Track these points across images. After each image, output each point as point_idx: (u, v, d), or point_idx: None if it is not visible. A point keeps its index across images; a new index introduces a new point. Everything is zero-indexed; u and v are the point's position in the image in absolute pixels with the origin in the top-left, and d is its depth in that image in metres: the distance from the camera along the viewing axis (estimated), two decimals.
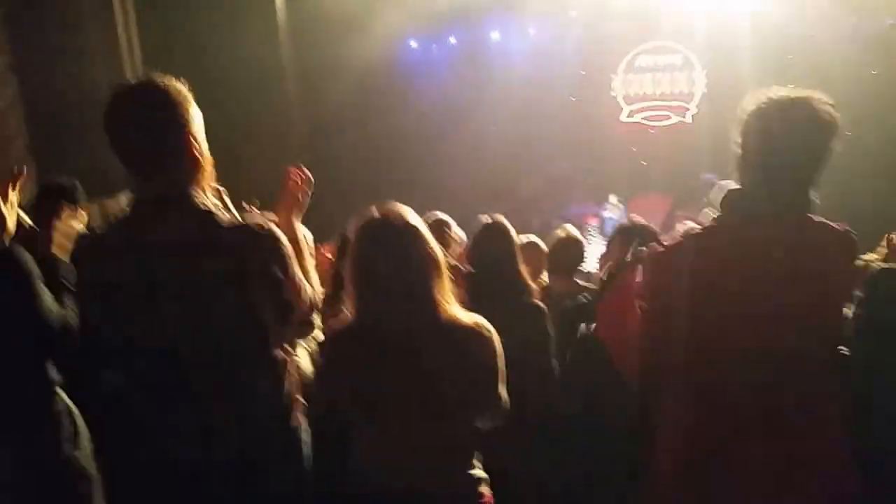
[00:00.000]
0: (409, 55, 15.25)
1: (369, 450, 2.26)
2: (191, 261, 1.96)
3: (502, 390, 2.27)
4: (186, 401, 2.10)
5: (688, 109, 15.95)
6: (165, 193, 2.02)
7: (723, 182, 14.51)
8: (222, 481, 2.13)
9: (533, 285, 3.55)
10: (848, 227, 2.25)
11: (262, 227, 2.06)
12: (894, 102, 12.03)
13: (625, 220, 13.06)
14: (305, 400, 2.37)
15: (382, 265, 2.11)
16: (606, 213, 13.36)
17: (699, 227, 2.30)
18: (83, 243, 2.28)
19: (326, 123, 13.25)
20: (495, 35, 15.54)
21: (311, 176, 2.61)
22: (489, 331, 2.20)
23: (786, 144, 2.08)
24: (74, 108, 12.03)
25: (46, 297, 2.33)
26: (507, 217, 12.20)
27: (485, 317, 2.24)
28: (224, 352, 2.04)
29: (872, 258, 4.06)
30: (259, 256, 2.02)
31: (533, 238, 4.80)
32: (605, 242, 13.16)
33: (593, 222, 14.13)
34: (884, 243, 4.01)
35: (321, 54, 13.02)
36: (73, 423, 2.55)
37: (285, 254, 2.09)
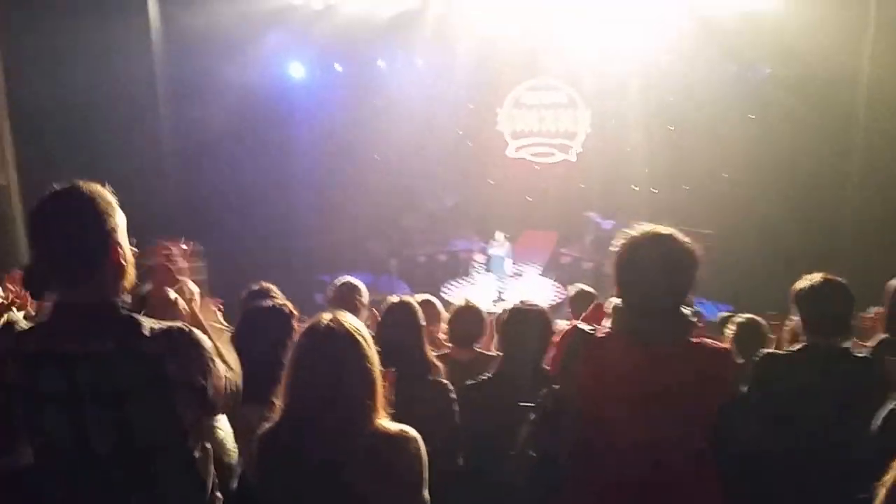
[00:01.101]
0: (292, 80, 14.76)
1: None
2: (111, 370, 2.01)
3: (425, 494, 2.27)
4: (106, 497, 2.12)
5: (571, 147, 16.15)
6: (88, 302, 2.06)
7: (605, 222, 14.77)
8: None
9: (437, 363, 3.61)
10: (727, 347, 2.74)
11: (182, 331, 2.08)
12: (768, 144, 12.46)
13: (510, 258, 13.32)
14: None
15: (322, 375, 2.16)
16: (493, 250, 13.16)
17: (599, 330, 2.58)
18: (5, 345, 2.17)
19: (201, 150, 12.51)
20: (381, 63, 15.23)
21: (191, 246, 2.54)
22: (415, 439, 2.23)
23: (651, 276, 2.39)
24: None
25: None
26: (388, 253, 11.84)
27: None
28: (144, 450, 2.08)
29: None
30: (179, 364, 2.04)
31: (427, 297, 4.98)
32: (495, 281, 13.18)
33: (479, 258, 14.02)
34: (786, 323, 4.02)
35: (197, 76, 12.32)
36: None
37: (206, 357, 2.10)
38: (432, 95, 15.08)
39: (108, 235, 2.06)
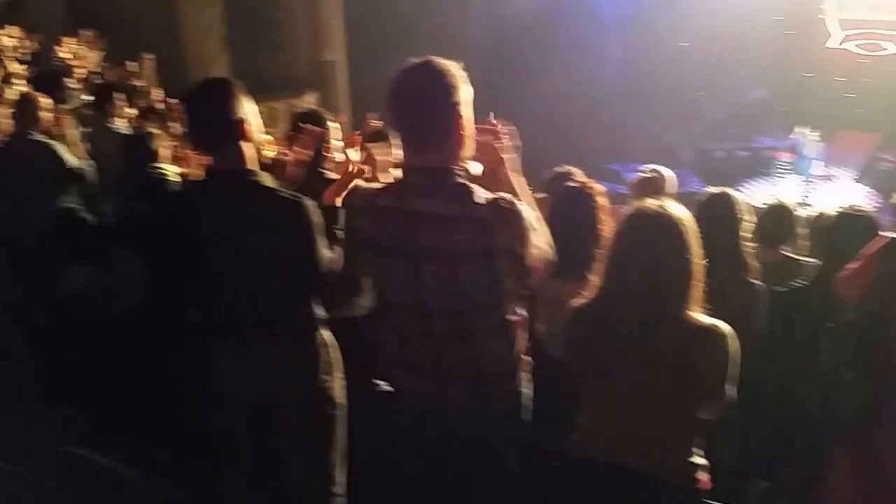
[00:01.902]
0: None
1: (594, 418, 2.38)
2: (447, 231, 2.19)
3: (730, 390, 2.29)
4: (428, 343, 2.35)
5: None
6: (432, 167, 2.22)
7: None
8: (452, 419, 2.40)
9: (754, 262, 3.46)
10: None
11: (507, 201, 2.20)
12: None
13: (820, 159, 12.30)
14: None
15: (642, 260, 2.21)
16: (803, 150, 12.21)
17: None
18: (357, 202, 2.45)
19: (508, 34, 12.87)
20: None
21: (509, 127, 2.57)
22: (724, 335, 2.24)
23: None
24: (269, 1, 12.47)
25: (323, 245, 2.62)
26: (685, 144, 11.41)
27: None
28: (465, 308, 2.27)
29: None
30: (504, 232, 2.18)
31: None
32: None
33: (785, 157, 13.10)
34: None
35: None
36: (330, 355, 2.84)
37: (526, 229, 2.21)
38: None
39: (454, 107, 2.19)
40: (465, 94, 2.22)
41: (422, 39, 11.52)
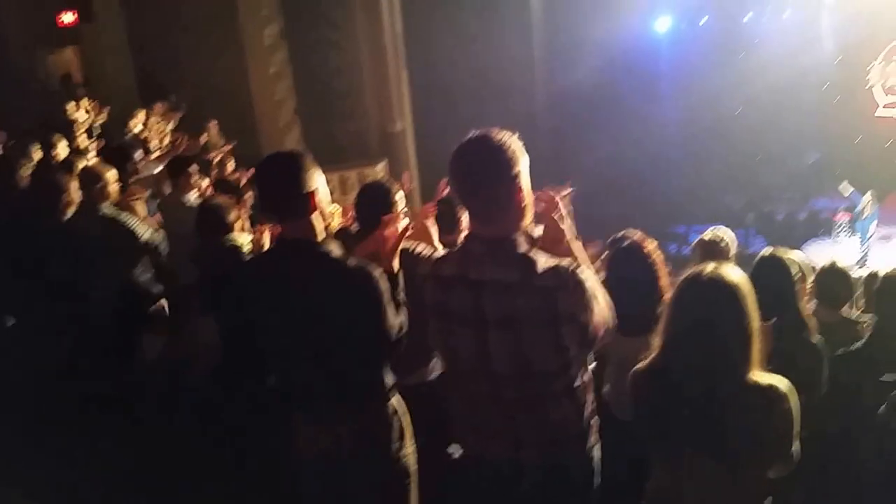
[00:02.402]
0: (658, 34, 15.06)
1: (663, 482, 2.41)
2: (511, 298, 2.21)
3: (795, 447, 2.29)
4: (498, 409, 2.37)
5: None
6: (495, 237, 2.25)
7: None
8: (525, 483, 2.40)
9: (813, 322, 3.42)
10: None
11: (569, 269, 2.21)
12: None
13: (876, 220, 12.47)
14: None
15: (700, 325, 2.22)
16: (859, 211, 12.46)
17: None
18: (425, 270, 2.49)
19: (571, 101, 13.30)
20: (748, 17, 14.91)
21: (567, 191, 2.72)
22: (785, 394, 2.23)
23: None
24: (339, 74, 12.97)
25: (391, 310, 2.61)
26: (746, 206, 11.52)
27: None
28: (534, 374, 2.28)
29: None
30: (567, 299, 2.18)
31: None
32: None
33: (843, 219, 13.37)
34: None
35: (569, 33, 13.07)
36: (401, 422, 2.79)
37: (589, 295, 2.21)
38: (798, 49, 14.52)
39: (513, 180, 2.19)
40: (524, 165, 2.23)
41: (487, 107, 11.93)
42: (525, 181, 2.24)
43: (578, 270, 2.21)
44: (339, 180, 11.55)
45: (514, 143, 2.20)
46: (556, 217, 2.48)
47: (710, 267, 2.27)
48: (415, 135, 13.46)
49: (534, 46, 13.45)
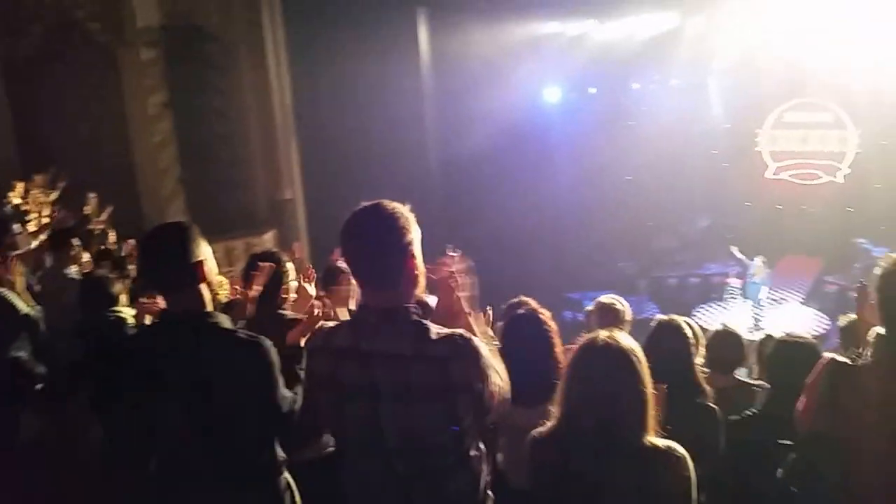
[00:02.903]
0: (548, 104, 15.25)
1: None
2: (403, 370, 2.19)
3: None
4: (392, 484, 2.31)
5: (839, 169, 15.15)
6: (387, 307, 2.23)
7: (876, 249, 13.58)
8: None
9: (707, 387, 3.46)
10: None
11: (464, 338, 2.21)
12: None
13: (768, 284, 12.66)
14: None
15: (596, 391, 2.27)
16: (751, 275, 12.62)
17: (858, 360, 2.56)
18: (315, 342, 2.46)
19: (462, 170, 13.29)
20: (636, 85, 15.28)
21: (458, 266, 2.60)
22: (682, 457, 2.28)
23: None
24: (226, 142, 12.73)
25: (282, 383, 2.58)
26: (639, 272, 11.66)
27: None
28: (428, 447, 2.25)
29: None
30: (461, 370, 2.17)
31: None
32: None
33: (734, 283, 13.53)
34: None
35: (460, 102, 13.13)
36: (292, 497, 2.76)
37: (484, 364, 2.21)
38: (687, 116, 14.88)
39: (406, 249, 2.20)
40: (416, 234, 2.24)
41: (379, 175, 11.83)
42: (417, 250, 2.25)
43: (473, 339, 2.21)
44: (224, 251, 11.16)
45: (405, 213, 2.22)
46: (452, 287, 2.49)
47: (604, 334, 2.34)
48: (305, 203, 13.26)
49: (426, 114, 13.42)
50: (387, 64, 12.13)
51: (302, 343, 2.81)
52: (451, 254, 2.57)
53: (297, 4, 11.71)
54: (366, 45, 11.59)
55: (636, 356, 2.30)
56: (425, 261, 2.31)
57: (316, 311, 3.01)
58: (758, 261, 12.71)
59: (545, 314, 3.34)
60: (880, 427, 2.40)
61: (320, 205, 12.40)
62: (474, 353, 2.19)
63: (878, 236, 13.71)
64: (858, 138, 14.81)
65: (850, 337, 4.29)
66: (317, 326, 2.92)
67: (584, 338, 2.39)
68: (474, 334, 2.29)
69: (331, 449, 3.15)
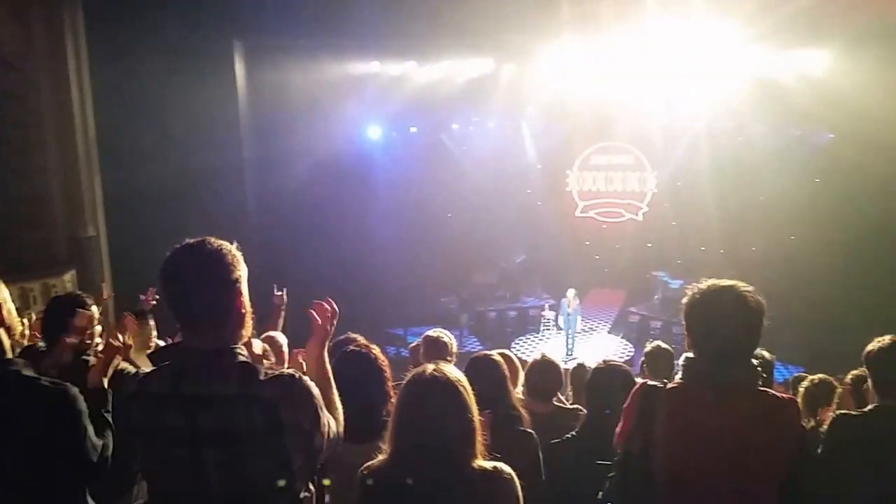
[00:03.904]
0: (370, 142, 15.33)
1: None
2: (230, 413, 2.09)
3: None
4: None
5: (639, 207, 16.32)
6: (212, 348, 2.14)
7: (673, 281, 14.66)
8: None
9: (525, 414, 3.60)
10: (792, 397, 2.77)
11: (293, 378, 2.15)
12: (833, 209, 12.44)
13: (580, 314, 13.32)
14: None
15: (426, 421, 2.31)
16: (564, 307, 13.21)
17: (669, 383, 2.66)
18: (130, 388, 2.27)
19: (283, 205, 13.05)
20: (455, 126, 15.72)
21: (336, 308, 2.62)
22: (510, 476, 2.34)
23: (720, 325, 2.48)
24: (23, 178, 11.77)
25: (91, 431, 2.48)
26: (461, 307, 11.88)
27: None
28: (256, 492, 2.15)
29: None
30: (291, 409, 2.11)
31: (504, 352, 4.79)
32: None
33: (548, 315, 14.11)
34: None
35: (281, 138, 12.91)
36: None
37: (316, 405, 2.16)
38: (503, 156, 15.49)
39: (233, 286, 2.13)
40: (243, 271, 2.17)
41: (192, 212, 11.37)
42: (244, 288, 2.16)
43: (304, 379, 2.14)
44: (19, 293, 10.28)
45: (232, 251, 2.14)
46: (327, 326, 2.50)
47: (430, 366, 2.39)
48: (108, 240, 12.48)
49: (243, 150, 13.06)
50: (201, 97, 11.69)
51: (105, 384, 2.72)
52: (277, 293, 2.49)
53: (105, 33, 11.07)
54: (179, 78, 11.14)
55: (463, 386, 2.37)
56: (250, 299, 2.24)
57: (112, 348, 2.89)
58: (570, 293, 13.36)
59: (375, 349, 3.34)
60: (687, 447, 2.50)
61: (125, 243, 11.73)
62: (305, 392, 2.14)
63: (675, 269, 14.89)
64: (656, 179, 16.03)
65: (655, 362, 4.74)
66: (117, 366, 2.88)
67: (411, 371, 2.43)
68: (304, 372, 2.25)
69: (143, 501, 3.04)
